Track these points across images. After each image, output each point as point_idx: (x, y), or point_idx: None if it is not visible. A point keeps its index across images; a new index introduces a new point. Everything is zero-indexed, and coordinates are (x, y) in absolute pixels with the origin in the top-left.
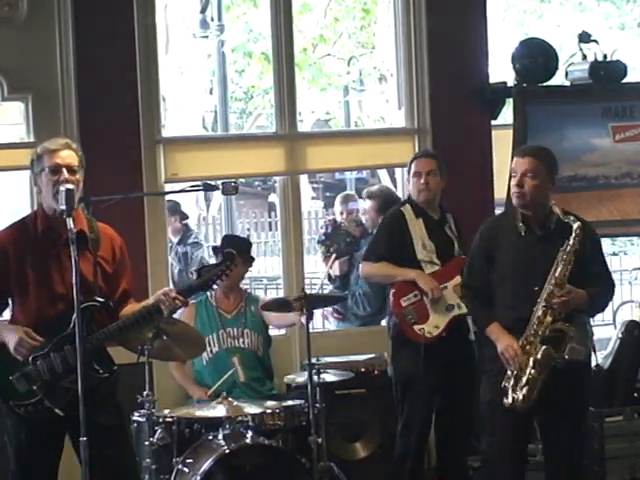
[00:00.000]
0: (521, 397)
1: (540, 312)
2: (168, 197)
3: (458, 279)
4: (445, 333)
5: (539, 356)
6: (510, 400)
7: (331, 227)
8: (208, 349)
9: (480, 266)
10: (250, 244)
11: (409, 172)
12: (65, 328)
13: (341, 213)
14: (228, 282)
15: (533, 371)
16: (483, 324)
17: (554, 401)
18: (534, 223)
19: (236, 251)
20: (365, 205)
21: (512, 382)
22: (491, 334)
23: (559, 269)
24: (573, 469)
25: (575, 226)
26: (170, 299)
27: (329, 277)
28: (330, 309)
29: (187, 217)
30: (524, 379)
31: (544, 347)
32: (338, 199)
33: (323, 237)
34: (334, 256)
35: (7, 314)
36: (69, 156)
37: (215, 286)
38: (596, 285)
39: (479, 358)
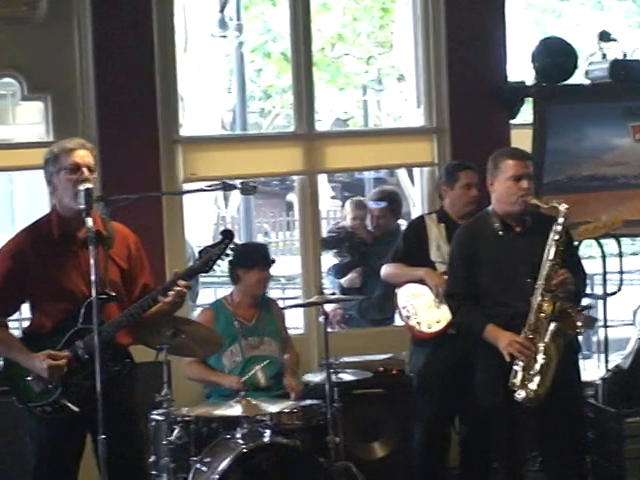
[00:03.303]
0: (535, 387)
1: (539, 298)
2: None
3: None
4: (454, 330)
5: (547, 339)
6: (524, 394)
7: (344, 234)
8: (231, 358)
9: (462, 272)
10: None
11: (454, 181)
12: (74, 324)
13: (354, 218)
14: (258, 290)
15: (544, 357)
16: (478, 329)
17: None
18: (512, 220)
19: (258, 259)
20: (376, 209)
21: (520, 376)
22: (489, 336)
23: (552, 251)
24: (575, 462)
25: (562, 208)
26: (171, 283)
27: (341, 288)
28: (338, 317)
29: None
30: (537, 367)
31: (553, 325)
32: (349, 205)
33: (336, 250)
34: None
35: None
36: (86, 155)
37: (216, 266)
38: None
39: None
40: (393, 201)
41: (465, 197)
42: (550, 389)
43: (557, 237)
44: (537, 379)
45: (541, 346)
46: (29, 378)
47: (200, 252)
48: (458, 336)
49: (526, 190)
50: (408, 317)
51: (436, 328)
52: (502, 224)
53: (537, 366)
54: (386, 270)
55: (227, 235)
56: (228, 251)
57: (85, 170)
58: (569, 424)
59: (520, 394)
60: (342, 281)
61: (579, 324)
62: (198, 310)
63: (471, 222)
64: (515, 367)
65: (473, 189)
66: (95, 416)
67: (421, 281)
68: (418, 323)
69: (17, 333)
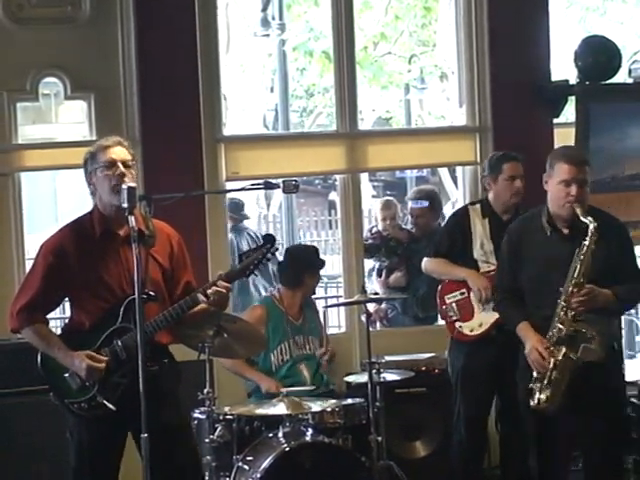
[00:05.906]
0: (544, 398)
1: (561, 312)
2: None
3: None
4: (494, 332)
5: (560, 357)
6: (535, 402)
7: (379, 240)
8: (279, 357)
9: (509, 267)
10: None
11: (498, 173)
12: (113, 322)
13: (383, 219)
14: (314, 291)
15: (555, 372)
16: (513, 324)
17: (584, 402)
18: (561, 223)
19: (321, 262)
20: (415, 209)
21: (538, 384)
22: (520, 333)
23: (577, 269)
24: (612, 469)
25: (591, 227)
26: (212, 284)
27: (386, 287)
28: (381, 313)
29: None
30: (545, 381)
31: (562, 347)
32: (379, 205)
33: (375, 255)
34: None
35: (55, 313)
36: (122, 152)
37: (257, 271)
38: (625, 283)
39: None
40: (433, 200)
41: (509, 189)
42: (563, 403)
43: (582, 256)
44: (548, 392)
45: (552, 362)
46: (66, 375)
47: (240, 256)
48: (498, 337)
49: (574, 196)
50: (450, 317)
51: (477, 332)
52: (550, 224)
53: (546, 380)
54: (429, 265)
55: (269, 240)
56: (269, 256)
57: (120, 165)
58: (609, 424)
59: (533, 400)
60: (387, 280)
61: (579, 353)
62: None
63: (525, 217)
64: (534, 373)
65: (517, 180)
66: (135, 415)
67: (463, 281)
68: (460, 325)
69: (57, 331)
